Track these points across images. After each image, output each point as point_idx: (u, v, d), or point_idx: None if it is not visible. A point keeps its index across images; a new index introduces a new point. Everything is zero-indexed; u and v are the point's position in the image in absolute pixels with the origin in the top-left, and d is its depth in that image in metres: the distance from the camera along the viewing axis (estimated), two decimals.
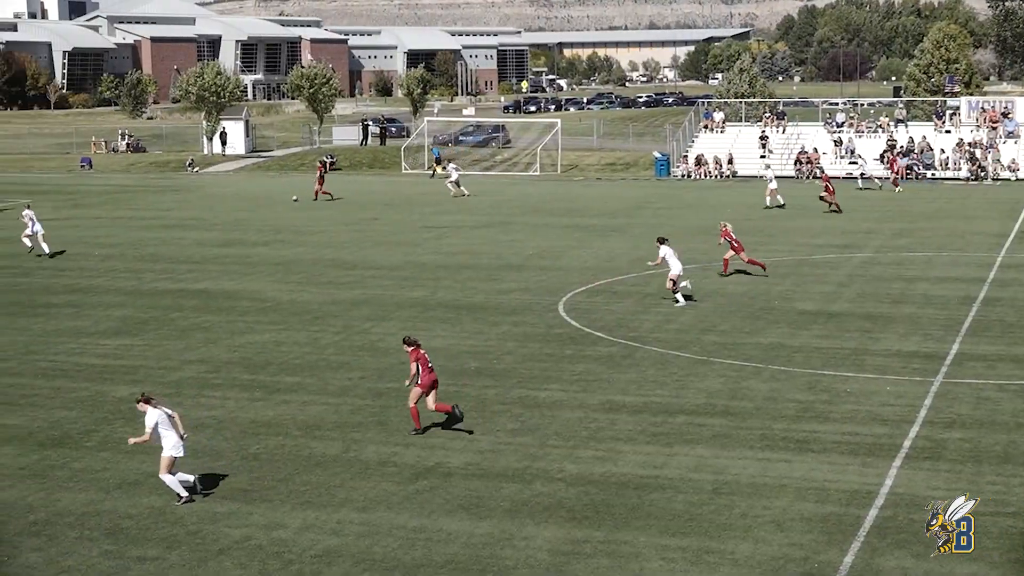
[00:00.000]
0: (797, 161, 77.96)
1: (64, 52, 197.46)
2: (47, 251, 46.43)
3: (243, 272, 42.40)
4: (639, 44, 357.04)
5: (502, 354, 30.19)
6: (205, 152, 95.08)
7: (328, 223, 55.43)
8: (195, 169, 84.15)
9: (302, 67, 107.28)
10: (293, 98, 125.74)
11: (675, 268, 35.51)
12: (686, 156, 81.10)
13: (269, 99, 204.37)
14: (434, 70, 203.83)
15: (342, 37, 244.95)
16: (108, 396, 26.69)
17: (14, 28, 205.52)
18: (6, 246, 48.81)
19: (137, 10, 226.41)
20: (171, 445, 20.05)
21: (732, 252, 39.69)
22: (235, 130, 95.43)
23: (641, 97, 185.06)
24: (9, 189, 73.06)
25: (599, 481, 20.88)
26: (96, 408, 25.79)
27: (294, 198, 64.92)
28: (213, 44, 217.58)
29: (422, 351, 23.57)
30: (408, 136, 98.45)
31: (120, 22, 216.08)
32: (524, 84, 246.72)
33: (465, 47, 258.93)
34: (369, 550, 18.12)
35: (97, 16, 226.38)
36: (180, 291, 38.94)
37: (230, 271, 42.57)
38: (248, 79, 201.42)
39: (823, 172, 67.18)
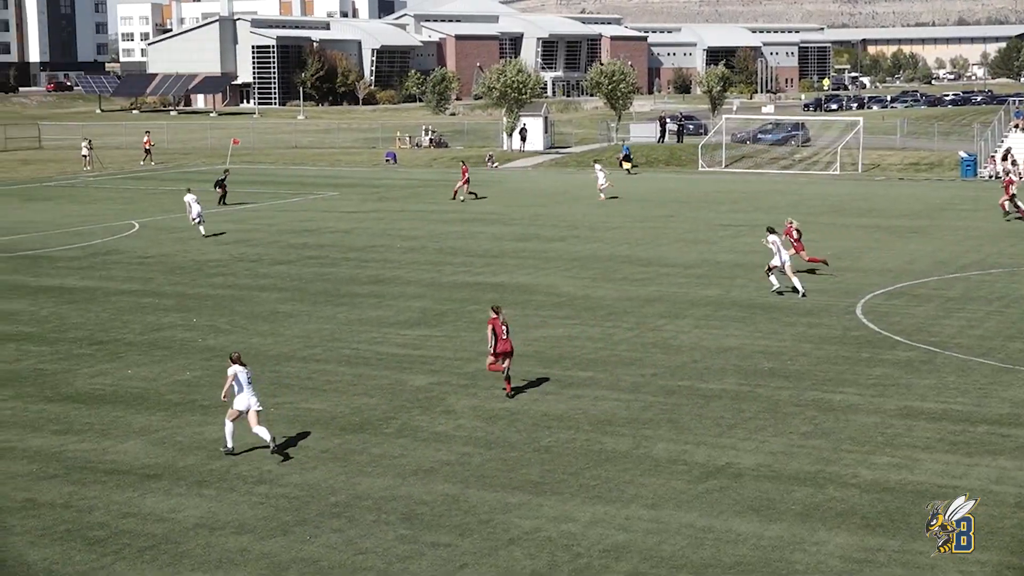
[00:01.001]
0: None
1: (373, 50, 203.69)
2: (203, 233, 50.40)
3: (539, 267, 42.94)
4: (947, 41, 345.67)
5: (796, 355, 29.74)
6: (504, 148, 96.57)
7: (624, 220, 55.59)
8: (495, 165, 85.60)
9: (601, 64, 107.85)
10: (592, 95, 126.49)
11: (779, 259, 36.82)
12: (993, 156, 78.11)
13: (568, 96, 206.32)
14: (733, 67, 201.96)
15: (642, 34, 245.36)
16: (407, 385, 27.43)
17: (327, 27, 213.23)
18: (315, 237, 50.68)
19: (443, 8, 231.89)
20: (238, 399, 22.26)
21: (793, 251, 39.14)
22: (534, 126, 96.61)
23: (948, 95, 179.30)
24: (318, 182, 75.85)
25: (895, 488, 20.36)
26: (395, 396, 26.54)
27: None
28: (515, 41, 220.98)
29: (500, 320, 25.85)
30: (706, 134, 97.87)
31: (427, 20, 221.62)
32: (826, 82, 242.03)
33: (766, 44, 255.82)
34: (657, 547, 18.13)
35: (405, 15, 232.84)
36: (477, 284, 39.70)
37: (526, 265, 43.17)
38: (548, 76, 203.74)
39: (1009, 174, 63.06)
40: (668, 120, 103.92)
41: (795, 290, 36.87)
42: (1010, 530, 18.45)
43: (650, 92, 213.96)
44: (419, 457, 22.39)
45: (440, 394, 26.65)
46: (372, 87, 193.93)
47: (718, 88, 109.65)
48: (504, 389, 26.40)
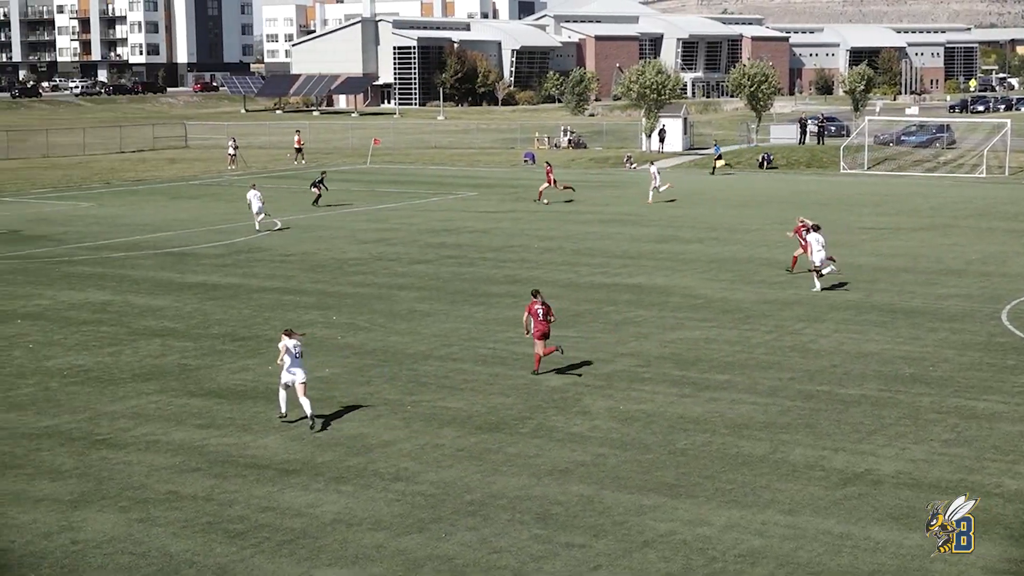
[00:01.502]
0: None
1: (512, 51, 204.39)
2: (258, 228, 52.09)
3: (676, 268, 42.73)
4: None
5: (939, 361, 29.21)
6: (643, 149, 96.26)
7: (763, 222, 55.07)
8: (633, 166, 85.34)
9: (743, 65, 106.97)
10: (732, 96, 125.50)
11: (816, 258, 38.01)
12: None
13: (708, 97, 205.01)
14: (877, 68, 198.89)
15: (783, 35, 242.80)
16: (542, 385, 27.48)
17: (467, 28, 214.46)
18: (453, 236, 51.01)
19: (583, 9, 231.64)
20: (286, 371, 24.31)
21: (800, 250, 40.05)
22: (673, 127, 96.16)
23: None
24: (456, 182, 76.33)
25: None
26: (531, 396, 26.61)
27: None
28: (655, 42, 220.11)
29: (536, 304, 27.89)
30: (848, 135, 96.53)
31: (566, 21, 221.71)
32: (972, 83, 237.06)
33: (910, 44, 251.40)
34: (794, 553, 17.93)
35: (545, 15, 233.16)
36: (614, 285, 39.63)
37: (663, 267, 42.99)
38: (688, 77, 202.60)
39: None
40: (809, 121, 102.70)
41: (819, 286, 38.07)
42: None
43: (791, 93, 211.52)
44: (554, 457, 22.42)
45: (576, 395, 26.66)
46: (511, 88, 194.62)
47: (860, 89, 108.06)
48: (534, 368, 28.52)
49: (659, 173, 64.74)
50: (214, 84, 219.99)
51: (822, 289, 38.07)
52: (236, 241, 49.82)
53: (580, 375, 28.21)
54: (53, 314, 35.64)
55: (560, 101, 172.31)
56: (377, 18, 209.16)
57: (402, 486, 20.99)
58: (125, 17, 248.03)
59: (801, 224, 40.67)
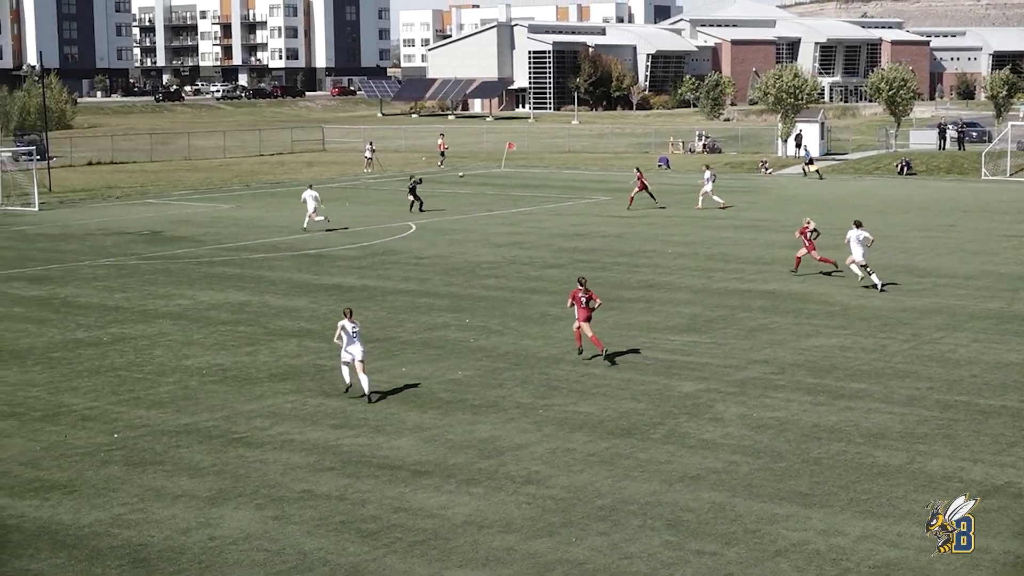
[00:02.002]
0: None
1: (648, 55, 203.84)
2: (305, 226, 53.82)
3: (811, 275, 42.21)
4: None
5: None
6: (779, 154, 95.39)
7: (901, 229, 54.22)
8: (768, 171, 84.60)
9: (882, 69, 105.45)
10: (870, 100, 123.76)
11: (855, 254, 38.84)
12: None
13: (846, 101, 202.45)
14: (1021, 72, 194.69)
15: (924, 39, 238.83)
16: (674, 391, 27.36)
17: (602, 32, 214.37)
18: (586, 241, 50.99)
19: (719, 13, 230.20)
20: (345, 350, 26.64)
21: (804, 251, 41.29)
22: (810, 132, 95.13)
23: None
24: (590, 186, 76.31)
25: None
26: (663, 401, 26.51)
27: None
28: (792, 46, 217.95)
29: (580, 292, 29.72)
30: (989, 141, 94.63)
31: (702, 25, 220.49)
32: None
33: None
34: (930, 566, 17.62)
35: (680, 19, 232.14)
36: (748, 291, 39.31)
37: (798, 273, 42.48)
38: (825, 81, 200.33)
39: None
40: (949, 127, 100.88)
41: (873, 285, 38.87)
42: None
43: (931, 98, 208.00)
44: (686, 464, 22.30)
45: (708, 401, 26.49)
46: (646, 92, 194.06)
47: (1003, 94, 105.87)
48: (599, 353, 30.23)
49: (714, 179, 63.07)
50: (351, 88, 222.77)
51: (882, 286, 38.86)
52: (372, 244, 50.35)
53: (608, 364, 28.09)
54: (193, 314, 36.36)
55: (695, 105, 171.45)
56: (513, 23, 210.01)
57: (533, 489, 21.03)
58: (266, 22, 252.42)
59: (806, 225, 41.54)
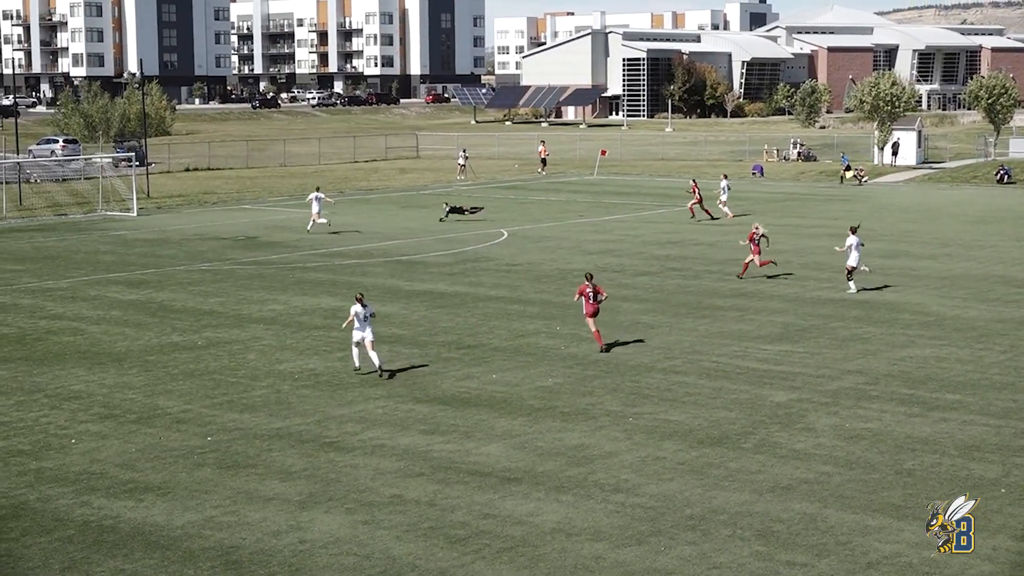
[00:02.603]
0: None
1: (743, 62, 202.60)
2: (309, 228, 56.11)
3: (907, 284, 41.75)
4: None
5: None
6: (875, 162, 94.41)
7: (1000, 238, 53.44)
8: (864, 179, 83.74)
9: (981, 77, 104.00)
10: (969, 108, 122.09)
11: (851, 259, 39.56)
12: None
13: (944, 109, 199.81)
14: None
15: None
16: (766, 400, 27.16)
17: (697, 39, 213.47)
18: (678, 248, 50.79)
19: (816, 20, 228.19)
20: (356, 332, 29.25)
21: (752, 256, 42.37)
22: (907, 140, 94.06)
23: None
24: (683, 194, 75.81)
25: None
26: (754, 411, 26.32)
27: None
28: (889, 53, 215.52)
29: (588, 288, 31.60)
30: None
31: (799, 32, 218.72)
32: None
33: None
34: None
35: (776, 27, 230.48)
36: (842, 300, 38.91)
37: (894, 282, 42.03)
38: (923, 89, 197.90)
39: None
40: None
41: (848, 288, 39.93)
42: None
43: None
44: (777, 474, 22.13)
45: (800, 411, 26.27)
46: (740, 99, 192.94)
47: None
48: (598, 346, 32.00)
49: (728, 188, 61.21)
50: (445, 95, 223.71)
51: (857, 291, 39.55)
52: (464, 250, 50.52)
53: (605, 353, 27.93)
54: (286, 319, 36.70)
55: (790, 113, 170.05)
56: (607, 30, 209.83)
57: (622, 498, 20.98)
58: (361, 30, 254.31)
59: (754, 231, 42.69)
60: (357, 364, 29.67)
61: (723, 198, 61.06)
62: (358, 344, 29.41)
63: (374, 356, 29.17)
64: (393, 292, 40.86)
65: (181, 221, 62.59)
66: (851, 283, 39.86)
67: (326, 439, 24.56)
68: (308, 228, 56.32)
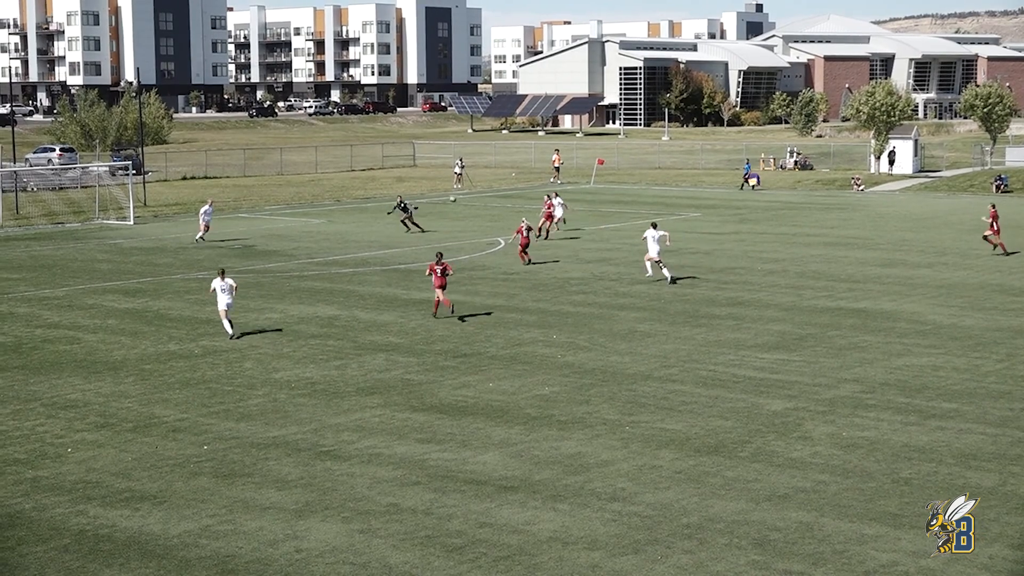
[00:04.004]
0: None
1: (739, 71, 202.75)
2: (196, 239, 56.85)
3: (903, 293, 41.77)
4: None
5: None
6: (872, 171, 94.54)
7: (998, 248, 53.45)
8: (861, 188, 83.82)
9: (976, 86, 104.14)
10: (965, 117, 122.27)
11: (651, 251, 43.64)
12: None
13: (940, 118, 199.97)
14: None
15: (1021, 55, 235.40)
16: (763, 409, 27.16)
17: (694, 48, 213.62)
18: (675, 257, 50.81)
19: (813, 29, 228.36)
20: (222, 303, 34.81)
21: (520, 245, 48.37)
22: (904, 149, 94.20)
23: None
24: (680, 203, 76.04)
25: None
26: (751, 419, 26.32)
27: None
28: (886, 62, 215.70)
29: (436, 265, 36.99)
30: None
31: (795, 41, 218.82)
32: None
33: None
34: None
35: (773, 36, 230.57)
36: (838, 309, 38.94)
37: (890, 291, 42.07)
38: (920, 98, 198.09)
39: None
40: None
41: (665, 279, 43.72)
42: None
43: None
44: (773, 482, 22.12)
45: (797, 420, 26.27)
46: (737, 108, 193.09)
47: None
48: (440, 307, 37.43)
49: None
50: (442, 104, 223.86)
51: (672, 278, 43.80)
52: (460, 259, 50.50)
53: (465, 320, 34.96)
54: (283, 327, 36.67)
55: (787, 122, 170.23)
56: (604, 39, 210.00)
57: (619, 506, 20.96)
58: (358, 39, 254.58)
59: (523, 225, 48.55)
60: (230, 332, 34.68)
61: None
62: (225, 312, 34.76)
63: (227, 323, 34.78)
64: (390, 301, 40.84)
65: (178, 229, 62.57)
66: (664, 270, 43.77)
67: (322, 448, 24.54)
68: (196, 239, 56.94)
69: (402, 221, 59.81)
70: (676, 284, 43.48)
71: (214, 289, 35.09)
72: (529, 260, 48.58)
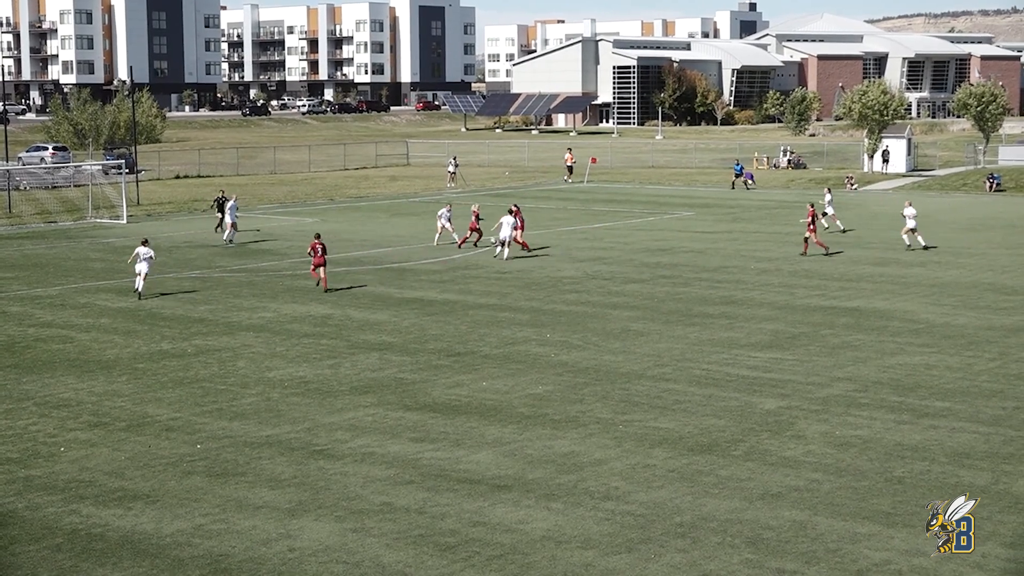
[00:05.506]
0: None
1: (733, 70, 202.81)
2: (226, 237, 57.20)
3: (897, 292, 41.82)
4: None
5: None
6: (865, 170, 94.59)
7: (988, 246, 53.55)
8: (854, 187, 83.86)
9: (970, 85, 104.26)
10: (958, 116, 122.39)
11: (503, 233, 49.52)
12: None
13: (933, 117, 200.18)
14: None
15: (1015, 54, 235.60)
16: (756, 408, 27.17)
17: (687, 47, 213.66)
18: (669, 256, 50.84)
19: (806, 28, 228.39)
20: (138, 267, 40.40)
21: (469, 233, 52.71)
22: (897, 148, 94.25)
23: None
24: (673, 202, 76.07)
25: None
26: (744, 418, 26.33)
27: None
28: (879, 61, 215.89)
29: (317, 244, 41.53)
30: None
31: (788, 40, 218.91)
32: None
33: None
34: None
35: (766, 35, 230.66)
36: (831, 308, 38.98)
37: (883, 290, 42.11)
38: (913, 97, 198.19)
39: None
40: None
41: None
42: None
43: (1022, 114, 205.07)
44: (767, 481, 22.13)
45: (790, 418, 26.28)
46: (731, 107, 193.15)
47: None
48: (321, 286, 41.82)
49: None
50: (436, 103, 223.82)
51: (507, 258, 48.84)
52: (453, 258, 50.51)
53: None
54: (276, 326, 36.66)
55: (780, 121, 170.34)
56: (598, 38, 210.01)
57: (612, 505, 20.97)
58: (352, 37, 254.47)
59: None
60: (138, 288, 40.59)
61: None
62: (139, 274, 40.45)
63: (139, 282, 40.53)
64: (383, 300, 40.83)
65: (171, 228, 62.50)
66: (506, 249, 49.27)
67: (316, 447, 24.52)
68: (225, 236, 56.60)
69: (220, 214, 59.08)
70: (689, 283, 43.49)
71: (137, 254, 40.53)
72: (476, 242, 53.47)
